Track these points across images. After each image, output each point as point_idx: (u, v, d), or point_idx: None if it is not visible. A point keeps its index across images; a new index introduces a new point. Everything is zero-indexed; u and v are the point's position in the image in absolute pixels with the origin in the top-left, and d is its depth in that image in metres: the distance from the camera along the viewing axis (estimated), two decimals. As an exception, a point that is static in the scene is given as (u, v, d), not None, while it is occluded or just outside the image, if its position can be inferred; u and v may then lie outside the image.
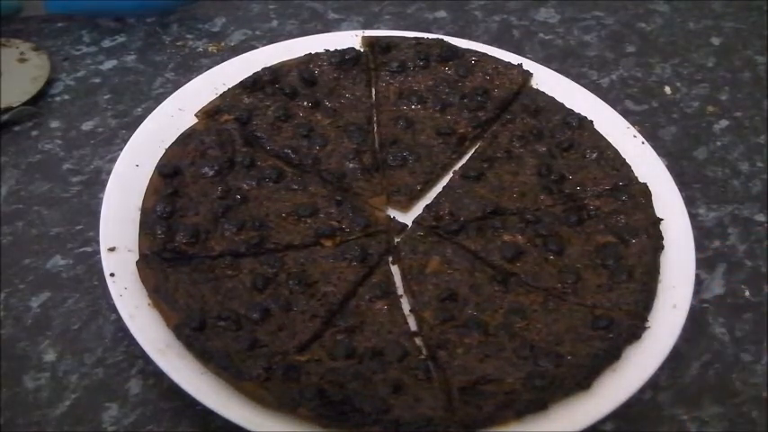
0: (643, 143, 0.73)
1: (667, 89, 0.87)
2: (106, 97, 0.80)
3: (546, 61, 0.83)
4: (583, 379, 0.55)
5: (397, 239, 0.67)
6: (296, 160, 0.70)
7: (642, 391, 0.57)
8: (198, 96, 0.73)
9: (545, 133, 0.73)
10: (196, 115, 0.72)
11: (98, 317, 0.63)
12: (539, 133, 0.73)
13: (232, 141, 0.69)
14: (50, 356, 0.61)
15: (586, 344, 0.57)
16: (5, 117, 0.75)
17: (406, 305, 0.62)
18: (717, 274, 0.70)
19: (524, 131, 0.73)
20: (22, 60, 0.81)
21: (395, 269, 0.65)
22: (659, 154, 0.73)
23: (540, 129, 0.73)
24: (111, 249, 0.61)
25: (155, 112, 0.71)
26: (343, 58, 0.77)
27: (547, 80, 0.78)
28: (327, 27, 0.90)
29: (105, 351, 0.61)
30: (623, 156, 0.71)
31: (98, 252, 0.62)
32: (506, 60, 0.79)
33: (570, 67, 0.87)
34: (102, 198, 0.64)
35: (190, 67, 0.84)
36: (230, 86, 0.74)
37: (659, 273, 0.63)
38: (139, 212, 0.64)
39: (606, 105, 0.76)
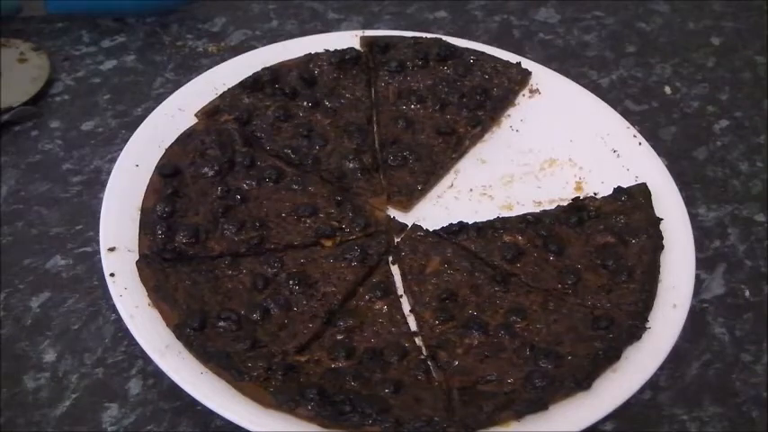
0: (641, 144, 0.73)
1: (667, 89, 0.87)
2: (106, 97, 0.80)
3: (546, 61, 0.83)
4: (583, 379, 0.55)
5: (397, 239, 0.67)
6: (296, 160, 0.70)
7: (642, 391, 0.57)
8: (198, 96, 0.73)
9: None
10: (196, 115, 0.72)
11: (98, 317, 0.63)
12: None
13: (232, 141, 0.69)
14: (50, 356, 0.61)
15: (586, 344, 0.57)
16: (5, 117, 0.75)
17: (406, 305, 0.62)
18: (717, 274, 0.70)
19: None
20: (22, 60, 0.81)
21: (395, 269, 0.65)
22: (659, 154, 0.72)
23: None
24: (111, 249, 0.61)
25: (155, 112, 0.71)
26: (343, 58, 0.77)
27: (547, 80, 0.78)
28: (327, 27, 0.90)
29: (105, 351, 0.61)
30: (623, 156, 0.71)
31: (98, 252, 0.62)
32: (505, 59, 0.79)
33: (570, 67, 0.87)
34: (102, 198, 0.64)
35: (190, 67, 0.84)
36: (230, 86, 0.74)
37: (659, 273, 0.62)
38: (139, 212, 0.64)
39: (606, 105, 0.76)
